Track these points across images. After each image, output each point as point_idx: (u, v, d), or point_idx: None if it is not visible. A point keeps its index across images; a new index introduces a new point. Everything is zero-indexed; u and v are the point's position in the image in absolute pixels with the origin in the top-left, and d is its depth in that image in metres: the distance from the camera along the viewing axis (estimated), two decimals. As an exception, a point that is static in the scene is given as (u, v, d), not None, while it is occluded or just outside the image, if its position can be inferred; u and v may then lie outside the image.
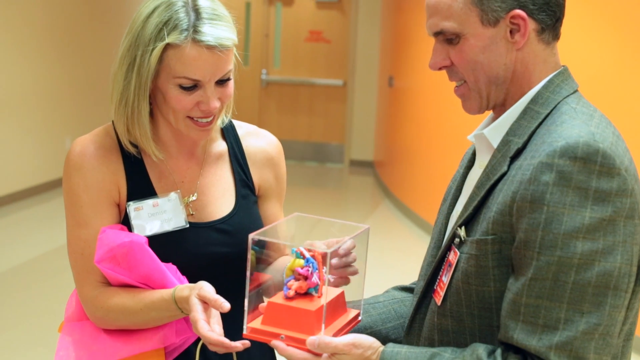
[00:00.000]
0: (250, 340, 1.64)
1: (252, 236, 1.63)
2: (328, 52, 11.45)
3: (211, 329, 1.66)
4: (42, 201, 8.21)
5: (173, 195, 1.92)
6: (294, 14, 11.49)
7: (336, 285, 1.73)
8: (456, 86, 1.66)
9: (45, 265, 6.23)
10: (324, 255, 1.62)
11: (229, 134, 2.05)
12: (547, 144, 1.47)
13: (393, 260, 6.61)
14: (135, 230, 1.88)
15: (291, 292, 1.62)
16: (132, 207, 1.89)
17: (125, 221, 1.90)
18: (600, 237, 1.41)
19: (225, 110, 1.99)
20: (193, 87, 1.82)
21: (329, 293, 1.64)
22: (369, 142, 11.14)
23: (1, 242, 6.83)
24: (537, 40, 1.59)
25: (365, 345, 1.56)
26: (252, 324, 1.62)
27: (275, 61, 11.68)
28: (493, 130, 1.63)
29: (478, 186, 1.60)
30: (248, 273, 1.62)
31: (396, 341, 1.81)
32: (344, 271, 1.73)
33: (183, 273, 1.88)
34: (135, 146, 1.92)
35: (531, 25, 1.57)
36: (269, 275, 1.74)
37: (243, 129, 2.09)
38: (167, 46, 1.79)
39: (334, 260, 1.71)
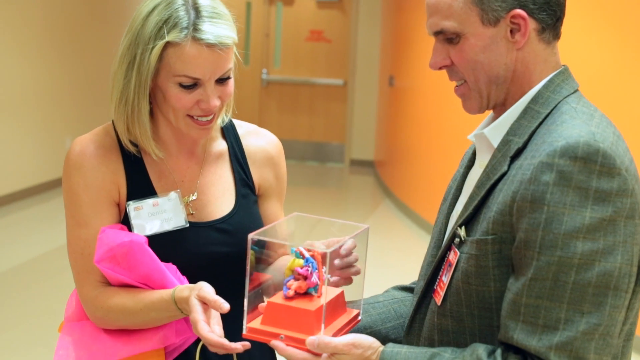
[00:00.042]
0: (250, 341, 1.63)
1: (252, 236, 1.63)
2: (328, 52, 11.45)
3: (211, 330, 1.66)
4: (42, 201, 8.21)
5: (173, 194, 1.92)
6: (294, 14, 11.49)
7: (338, 285, 1.73)
8: (456, 86, 1.66)
9: (45, 265, 6.23)
10: (324, 255, 1.62)
11: (229, 133, 2.05)
12: (548, 143, 1.47)
13: (393, 260, 6.61)
14: (135, 230, 1.88)
15: (291, 292, 1.61)
16: (132, 207, 1.89)
17: (125, 221, 1.90)
18: (600, 237, 1.41)
19: (226, 109, 1.99)
20: (193, 85, 1.81)
21: (329, 293, 1.64)
22: (369, 142, 11.14)
23: (1, 242, 6.83)
24: (538, 40, 1.59)
25: (365, 345, 1.56)
26: (251, 324, 1.62)
27: (275, 61, 11.68)
28: (493, 130, 1.63)
29: (478, 186, 1.60)
30: (247, 273, 1.62)
31: (396, 341, 1.80)
32: (346, 272, 1.73)
33: (183, 273, 1.87)
34: (135, 145, 1.92)
35: (531, 24, 1.57)
36: (268, 275, 1.74)
37: (243, 128, 2.08)
38: (167, 44, 1.79)
39: (337, 261, 1.71)
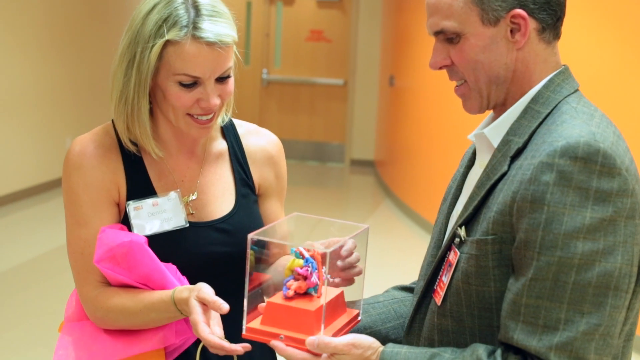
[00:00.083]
0: (250, 341, 1.63)
1: (251, 236, 1.62)
2: (329, 52, 11.45)
3: (211, 332, 1.65)
4: (42, 201, 8.21)
5: (173, 194, 1.92)
6: (294, 13, 11.49)
7: (339, 286, 1.73)
8: (456, 86, 1.66)
9: (46, 265, 6.23)
10: (324, 255, 1.62)
11: (229, 133, 2.05)
12: (548, 143, 1.47)
13: (393, 260, 6.61)
14: (135, 230, 1.88)
15: (290, 292, 1.61)
16: (132, 207, 1.89)
17: (125, 220, 1.90)
18: (600, 237, 1.41)
19: (226, 108, 1.99)
20: (193, 84, 1.81)
21: (329, 293, 1.64)
22: (369, 142, 11.14)
23: (1, 242, 6.82)
24: (538, 40, 1.59)
25: (364, 345, 1.55)
26: (251, 324, 1.62)
27: (276, 60, 11.68)
28: (493, 130, 1.62)
29: (478, 186, 1.59)
30: (247, 273, 1.62)
31: (396, 341, 1.80)
32: (349, 272, 1.72)
33: (183, 273, 1.87)
34: (135, 144, 1.91)
35: (532, 24, 1.57)
36: (268, 275, 1.74)
37: (243, 127, 2.08)
38: (167, 43, 1.78)
39: (339, 262, 1.71)
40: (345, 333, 1.63)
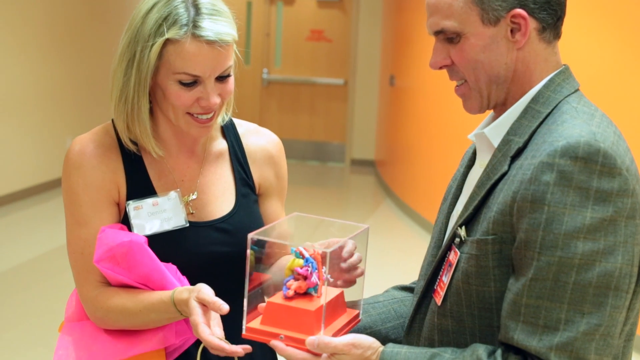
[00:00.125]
0: (251, 341, 1.63)
1: (251, 236, 1.62)
2: (329, 51, 11.45)
3: (212, 333, 1.65)
4: (42, 201, 8.21)
5: (173, 194, 1.92)
6: (295, 13, 11.50)
7: (340, 287, 1.73)
8: (457, 85, 1.66)
9: (46, 264, 6.23)
10: (324, 255, 1.62)
11: (229, 133, 2.05)
12: (548, 143, 1.46)
13: (394, 260, 6.61)
14: (135, 230, 1.87)
15: (290, 292, 1.61)
16: (132, 206, 1.89)
17: (125, 220, 1.89)
18: (601, 237, 1.41)
19: (226, 108, 1.99)
20: (193, 83, 1.81)
21: (329, 293, 1.64)
22: (370, 141, 11.14)
23: (1, 242, 6.82)
24: (538, 40, 1.59)
25: (364, 345, 1.55)
26: (251, 324, 1.62)
27: (276, 60, 11.68)
28: (494, 130, 1.62)
29: (478, 185, 1.59)
30: (247, 273, 1.62)
31: (396, 341, 1.80)
32: (352, 274, 1.72)
33: (183, 273, 1.87)
34: (135, 144, 1.91)
35: (532, 24, 1.57)
36: (268, 275, 1.73)
37: (243, 127, 2.08)
38: (167, 41, 1.78)
39: (343, 264, 1.71)
40: (345, 333, 1.63)
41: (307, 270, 1.61)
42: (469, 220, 1.59)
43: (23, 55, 8.05)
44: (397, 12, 9.36)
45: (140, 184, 1.92)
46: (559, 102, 1.56)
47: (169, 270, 1.84)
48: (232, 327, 1.73)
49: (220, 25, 1.79)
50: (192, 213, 1.94)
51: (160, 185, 1.93)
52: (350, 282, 1.73)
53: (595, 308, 1.41)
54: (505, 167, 1.54)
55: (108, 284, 1.87)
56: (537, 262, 1.43)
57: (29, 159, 8.29)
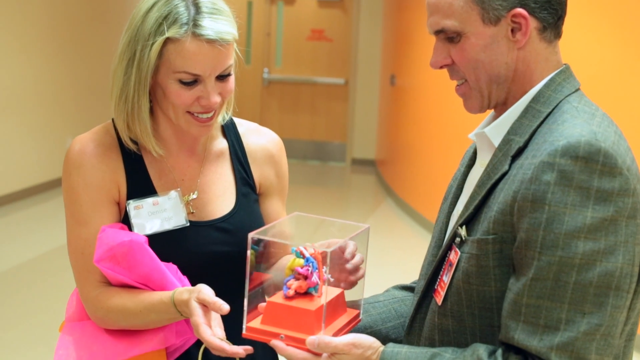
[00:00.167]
0: (252, 341, 1.63)
1: (252, 235, 1.62)
2: (330, 51, 11.45)
3: (213, 333, 1.65)
4: (43, 200, 8.21)
5: (173, 193, 1.91)
6: (295, 13, 11.49)
7: (343, 288, 1.73)
8: (457, 85, 1.66)
9: (46, 264, 6.23)
10: (324, 255, 1.61)
11: (230, 132, 2.05)
12: (549, 143, 1.46)
13: (394, 259, 6.61)
14: (135, 229, 1.87)
15: (291, 292, 1.61)
16: (132, 206, 1.89)
17: (125, 220, 1.89)
18: (601, 237, 1.40)
19: (226, 107, 1.99)
20: (193, 82, 1.81)
21: (329, 293, 1.64)
22: (370, 141, 11.13)
23: (2, 242, 6.83)
24: (539, 39, 1.58)
25: (365, 345, 1.55)
26: (251, 324, 1.62)
27: (277, 60, 11.68)
28: (494, 129, 1.62)
29: (479, 185, 1.59)
30: (247, 272, 1.62)
31: (396, 341, 1.80)
32: (356, 276, 1.72)
33: (183, 272, 1.87)
34: (135, 143, 1.91)
35: (532, 23, 1.56)
36: (269, 275, 1.73)
37: (244, 126, 2.08)
38: (167, 40, 1.78)
39: (348, 266, 1.70)
40: (346, 333, 1.63)
41: (308, 269, 1.61)
42: (470, 220, 1.59)
43: (24, 55, 8.05)
44: (398, 12, 9.36)
45: (140, 184, 1.91)
46: (560, 101, 1.56)
47: (170, 270, 1.84)
48: (232, 327, 1.73)
49: (220, 24, 1.79)
50: (192, 212, 1.94)
51: (160, 185, 1.93)
52: (352, 284, 1.73)
53: (596, 308, 1.41)
54: (506, 167, 1.54)
55: (109, 283, 1.87)
56: (537, 262, 1.43)
57: (30, 158, 8.29)
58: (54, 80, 8.62)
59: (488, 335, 1.55)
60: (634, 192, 1.43)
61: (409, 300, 1.89)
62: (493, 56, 1.58)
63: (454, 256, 1.60)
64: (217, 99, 1.83)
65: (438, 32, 1.61)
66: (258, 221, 1.99)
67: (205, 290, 1.70)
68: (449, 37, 1.60)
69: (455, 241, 1.60)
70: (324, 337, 1.54)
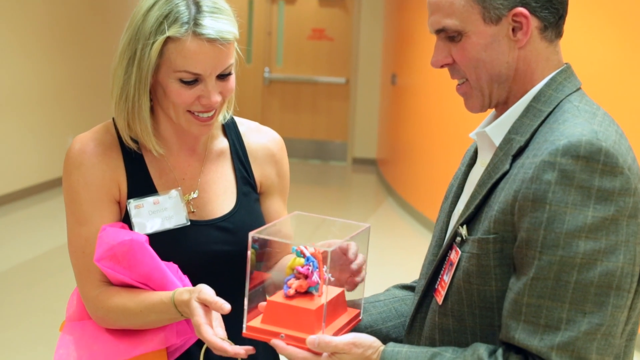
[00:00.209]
0: (253, 341, 1.63)
1: (252, 234, 1.62)
2: (331, 50, 11.45)
3: (215, 333, 1.65)
4: (44, 199, 8.21)
5: (174, 192, 1.91)
6: (296, 12, 11.49)
7: (344, 288, 1.72)
8: (458, 84, 1.66)
9: (47, 264, 6.23)
10: (325, 254, 1.61)
11: (231, 131, 2.04)
12: (550, 142, 1.46)
13: (395, 259, 6.61)
14: (136, 228, 1.87)
15: (291, 291, 1.61)
16: (133, 205, 1.89)
17: (126, 219, 1.89)
18: (602, 236, 1.40)
19: (227, 106, 1.99)
20: (194, 81, 1.81)
21: (329, 292, 1.63)
22: (371, 140, 11.14)
23: (2, 241, 6.83)
24: (540, 38, 1.58)
25: (365, 345, 1.55)
26: (251, 323, 1.61)
27: (278, 59, 11.68)
28: (495, 128, 1.62)
29: (480, 184, 1.59)
30: (248, 272, 1.61)
31: (397, 340, 1.80)
32: (357, 276, 1.72)
33: (184, 271, 1.87)
34: (135, 142, 1.91)
35: (534, 23, 1.56)
36: (269, 274, 1.73)
37: (245, 125, 2.08)
38: (168, 39, 1.78)
39: (353, 266, 1.70)
40: (346, 332, 1.63)
41: (308, 269, 1.61)
42: (470, 219, 1.58)
43: (25, 54, 8.05)
44: (399, 11, 9.36)
45: (141, 183, 1.91)
46: (561, 100, 1.56)
47: (170, 269, 1.84)
48: (233, 326, 1.73)
49: (221, 23, 1.79)
50: (193, 212, 1.94)
51: (161, 184, 1.93)
52: (355, 285, 1.72)
53: (597, 307, 1.40)
54: (507, 166, 1.54)
55: (109, 283, 1.87)
56: (538, 262, 1.42)
57: (31, 157, 8.29)
58: (55, 80, 8.62)
59: (488, 334, 1.55)
60: (635, 192, 1.43)
61: (410, 300, 1.89)
62: (494, 55, 1.57)
63: (454, 256, 1.59)
64: (217, 98, 1.83)
65: (439, 31, 1.61)
66: (259, 220, 1.99)
67: (205, 290, 1.69)
68: (450, 36, 1.60)
69: (456, 240, 1.60)
70: (324, 337, 1.54)
